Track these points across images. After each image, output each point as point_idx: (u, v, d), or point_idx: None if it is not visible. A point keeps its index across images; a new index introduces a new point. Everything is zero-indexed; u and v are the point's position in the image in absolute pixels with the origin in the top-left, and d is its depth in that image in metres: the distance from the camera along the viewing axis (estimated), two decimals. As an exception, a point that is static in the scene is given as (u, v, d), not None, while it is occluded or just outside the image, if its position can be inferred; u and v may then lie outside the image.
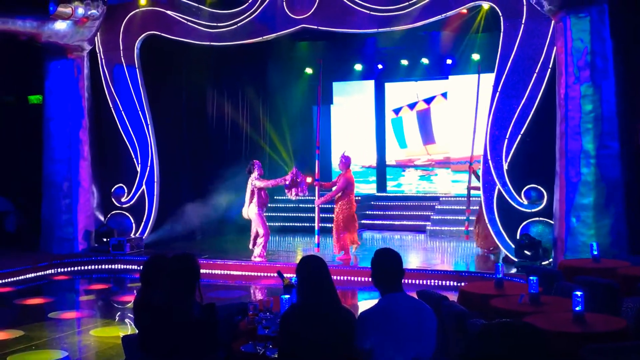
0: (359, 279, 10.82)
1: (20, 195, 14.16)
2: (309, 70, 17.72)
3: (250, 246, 11.82)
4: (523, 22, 10.69)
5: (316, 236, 12.10)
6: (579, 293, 5.13)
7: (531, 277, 5.84)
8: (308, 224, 15.90)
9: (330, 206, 12.62)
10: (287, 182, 11.61)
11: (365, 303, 9.17)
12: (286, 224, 16.10)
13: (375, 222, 16.36)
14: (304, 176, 11.82)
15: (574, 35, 9.63)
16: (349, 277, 10.96)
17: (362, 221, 16.42)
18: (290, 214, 16.46)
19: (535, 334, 1.83)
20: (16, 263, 11.84)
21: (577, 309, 5.09)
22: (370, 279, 4.22)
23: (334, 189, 11.79)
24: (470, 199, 12.87)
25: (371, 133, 18.38)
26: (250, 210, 11.65)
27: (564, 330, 4.93)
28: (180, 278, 4.40)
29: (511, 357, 1.80)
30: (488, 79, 12.55)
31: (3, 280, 11.21)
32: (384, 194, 17.92)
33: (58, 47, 12.80)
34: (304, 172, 18.11)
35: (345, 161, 11.76)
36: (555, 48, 10.18)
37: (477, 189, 12.06)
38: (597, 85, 9.55)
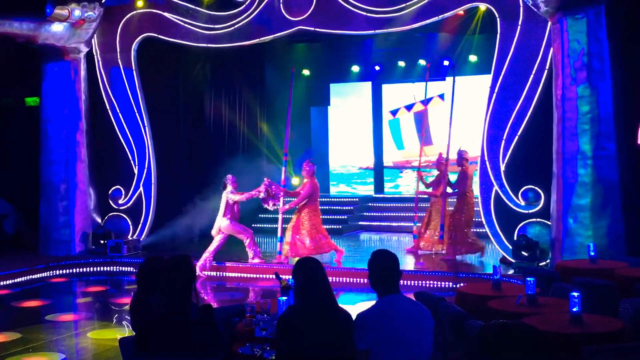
0: (355, 281, 10.85)
1: (18, 198, 14.14)
2: (306, 72, 17.72)
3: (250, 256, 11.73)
4: (520, 23, 10.70)
5: (279, 243, 11.85)
6: (576, 294, 5.14)
7: (528, 278, 5.85)
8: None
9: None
10: (262, 194, 11.49)
11: (362, 305, 9.17)
12: (284, 226, 16.02)
13: (373, 223, 16.35)
14: (278, 186, 11.67)
15: (571, 37, 9.65)
16: (345, 279, 10.97)
17: (360, 222, 16.46)
18: (288, 216, 16.40)
19: (533, 334, 1.83)
20: (13, 265, 11.83)
21: (575, 310, 5.10)
22: (367, 281, 4.22)
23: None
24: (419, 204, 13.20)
25: (368, 134, 18.39)
26: (222, 224, 11.47)
27: (561, 331, 4.93)
28: (176, 279, 4.39)
29: (510, 357, 1.80)
30: (485, 80, 12.57)
31: (0, 283, 11.19)
32: (382, 196, 17.90)
33: (55, 49, 12.79)
34: (298, 174, 18.16)
35: (310, 169, 11.64)
36: (552, 49, 10.19)
37: (424, 194, 12.83)
38: (594, 87, 9.56)
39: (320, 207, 12.10)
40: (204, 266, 11.51)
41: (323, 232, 11.75)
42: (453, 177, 12.64)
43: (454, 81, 12.85)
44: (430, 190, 12.88)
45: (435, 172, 13.22)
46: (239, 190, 11.63)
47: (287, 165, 17.95)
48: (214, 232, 11.68)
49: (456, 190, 12.07)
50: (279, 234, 11.92)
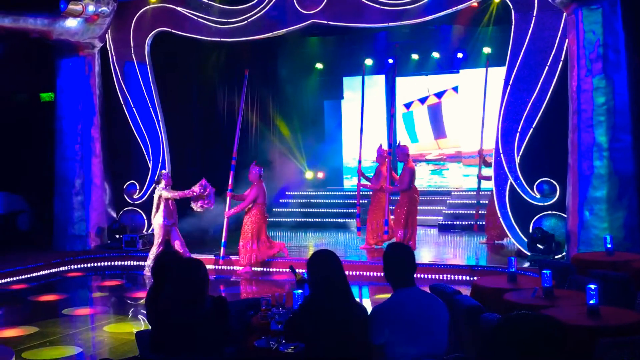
0: (370, 274, 10.86)
1: (33, 194, 14.22)
2: (319, 66, 17.69)
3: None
4: (534, 14, 10.63)
5: (222, 248, 11.69)
6: (592, 286, 5.11)
7: (545, 271, 5.81)
8: (320, 219, 15.94)
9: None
10: (196, 194, 11.29)
11: (377, 298, 9.16)
12: (299, 220, 16.10)
13: (387, 217, 16.32)
14: (213, 188, 11.47)
15: (586, 28, 9.56)
16: (360, 272, 10.98)
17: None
18: (302, 210, 16.47)
19: (555, 325, 1.82)
20: (30, 260, 11.90)
21: (591, 302, 5.07)
22: (381, 274, 4.21)
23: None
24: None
25: (382, 128, 18.33)
26: (155, 220, 11.33)
27: (578, 323, 4.90)
28: (192, 273, 4.40)
29: (531, 347, 1.79)
30: (499, 72, 12.52)
31: (17, 278, 11.27)
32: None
33: (69, 44, 12.84)
34: (312, 168, 18.16)
35: (256, 172, 11.38)
36: (567, 40, 10.12)
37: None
38: (610, 78, 9.48)
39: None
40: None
41: (258, 239, 11.39)
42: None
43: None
44: (368, 183, 12.96)
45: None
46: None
47: (300, 160, 18.05)
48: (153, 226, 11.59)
49: (397, 185, 12.23)
50: (223, 239, 11.72)
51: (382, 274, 4.26)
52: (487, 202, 12.93)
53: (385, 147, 12.85)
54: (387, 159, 12.56)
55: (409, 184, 11.93)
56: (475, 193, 14.10)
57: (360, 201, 13.48)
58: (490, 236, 12.77)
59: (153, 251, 11.37)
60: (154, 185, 11.63)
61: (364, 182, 13.14)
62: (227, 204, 11.67)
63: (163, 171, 11.82)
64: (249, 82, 15.54)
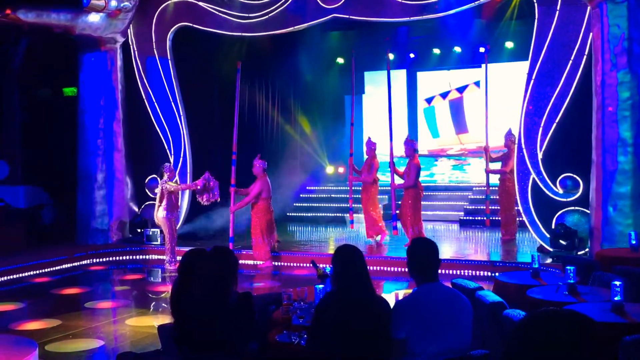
0: (393, 269, 10.81)
1: (56, 187, 14.33)
2: (340, 60, 17.67)
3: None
4: (558, 8, 10.52)
5: (229, 244, 11.47)
6: (617, 283, 5.05)
7: (568, 267, 5.76)
8: (340, 215, 15.92)
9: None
10: (199, 187, 11.32)
11: (399, 293, 9.12)
12: (318, 215, 16.11)
13: (408, 212, 16.27)
14: (216, 182, 11.49)
15: (611, 21, 9.44)
16: (379, 267, 10.95)
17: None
18: (322, 205, 16.47)
19: (587, 322, 1.78)
20: (53, 254, 12.02)
21: (616, 298, 5.01)
22: (402, 270, 4.19)
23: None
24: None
25: (403, 123, 18.28)
26: (158, 214, 11.38)
27: (603, 320, 4.85)
28: (217, 268, 4.41)
29: (562, 346, 1.76)
30: (521, 67, 12.41)
31: (40, 271, 11.39)
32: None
33: (92, 39, 12.92)
34: (333, 162, 18.14)
35: (260, 165, 11.32)
36: (591, 34, 10.00)
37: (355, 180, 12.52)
38: (635, 72, 9.36)
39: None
40: (170, 261, 11.49)
41: (269, 233, 11.38)
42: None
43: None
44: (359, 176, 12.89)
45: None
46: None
47: (321, 155, 18.03)
48: (156, 221, 11.62)
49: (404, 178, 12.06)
50: (230, 234, 11.68)
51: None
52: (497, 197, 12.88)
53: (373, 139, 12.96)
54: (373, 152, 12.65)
55: (415, 180, 11.78)
56: (496, 189, 13.98)
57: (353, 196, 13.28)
58: (507, 232, 12.65)
59: (168, 245, 11.42)
60: (159, 179, 11.64)
61: (355, 175, 12.95)
62: (232, 199, 11.65)
63: (165, 164, 11.84)
64: (268, 77, 15.53)
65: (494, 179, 13.04)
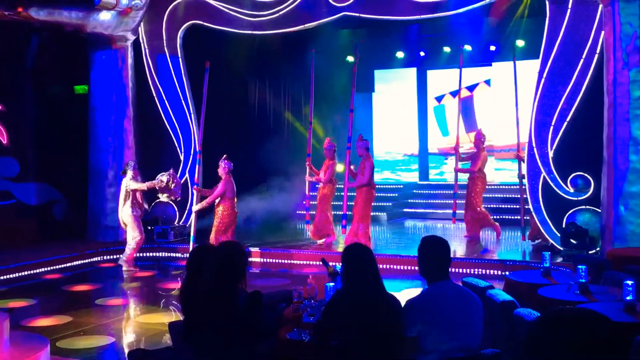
0: (402, 268, 10.80)
1: (67, 185, 14.38)
2: (350, 58, 17.63)
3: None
4: (570, 6, 10.47)
5: (192, 243, 11.46)
6: (630, 282, 5.03)
7: (580, 266, 5.74)
8: (349, 213, 15.87)
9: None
10: (163, 185, 11.30)
11: (408, 292, 9.11)
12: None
13: (418, 210, 16.30)
14: (179, 180, 11.50)
15: (623, 20, 9.39)
16: (391, 266, 10.93)
17: (404, 209, 16.39)
18: (332, 203, 16.40)
19: (605, 321, 1.77)
20: (64, 250, 12.08)
21: (628, 298, 4.99)
22: (410, 268, 4.19)
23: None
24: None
25: (413, 121, 18.25)
26: (124, 213, 11.32)
27: (615, 320, 4.83)
28: (227, 266, 4.42)
29: (573, 347, 1.75)
30: (531, 65, 12.35)
31: (51, 267, 11.44)
32: (426, 182, 17.79)
33: (103, 37, 12.97)
34: (343, 161, 18.11)
35: (225, 166, 11.21)
36: (603, 33, 9.95)
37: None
38: (647, 71, 9.31)
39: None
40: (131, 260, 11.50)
41: (230, 233, 11.23)
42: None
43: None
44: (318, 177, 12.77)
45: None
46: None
47: (334, 154, 18.01)
48: (121, 223, 11.59)
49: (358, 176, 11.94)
50: (191, 234, 11.64)
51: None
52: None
53: (332, 141, 12.81)
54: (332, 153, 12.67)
55: (369, 178, 11.68)
56: (508, 187, 13.98)
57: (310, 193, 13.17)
58: (470, 229, 12.68)
59: (131, 243, 11.41)
60: (122, 177, 11.57)
61: (312, 176, 12.81)
62: (196, 199, 11.62)
63: (129, 161, 11.80)
64: (282, 75, 15.54)
65: (464, 178, 13.11)
